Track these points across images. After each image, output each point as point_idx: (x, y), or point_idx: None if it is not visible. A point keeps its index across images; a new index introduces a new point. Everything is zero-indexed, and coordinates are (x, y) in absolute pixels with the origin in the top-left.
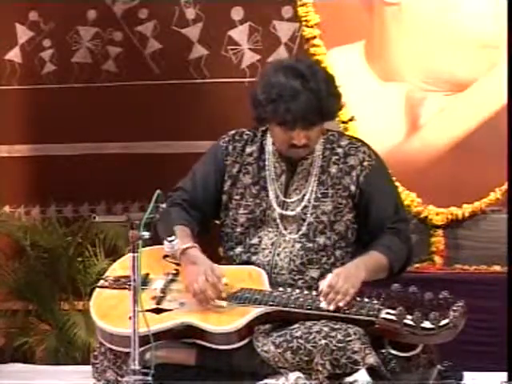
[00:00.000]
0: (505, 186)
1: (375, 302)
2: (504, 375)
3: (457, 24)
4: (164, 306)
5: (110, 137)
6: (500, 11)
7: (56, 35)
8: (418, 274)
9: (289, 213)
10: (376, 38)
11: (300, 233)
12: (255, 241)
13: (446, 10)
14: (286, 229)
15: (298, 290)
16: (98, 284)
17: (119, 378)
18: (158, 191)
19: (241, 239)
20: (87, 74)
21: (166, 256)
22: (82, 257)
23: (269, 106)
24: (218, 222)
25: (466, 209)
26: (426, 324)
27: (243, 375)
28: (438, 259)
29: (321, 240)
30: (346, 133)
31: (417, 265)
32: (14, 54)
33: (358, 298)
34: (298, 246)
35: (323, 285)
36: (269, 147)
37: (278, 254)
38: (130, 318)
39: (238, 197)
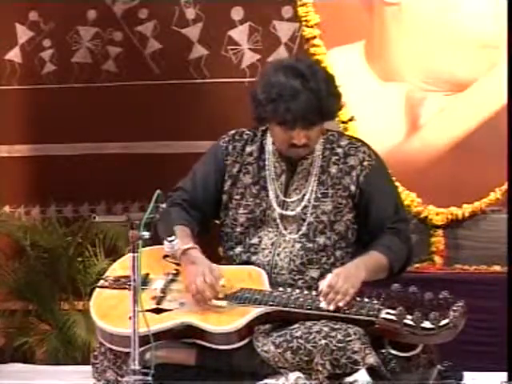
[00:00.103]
0: (505, 186)
1: (375, 302)
2: (504, 375)
3: (457, 24)
4: (164, 306)
5: (110, 137)
6: (500, 11)
7: (56, 35)
8: (418, 273)
9: (289, 213)
10: (376, 38)
11: (300, 233)
12: (255, 241)
13: (445, 10)
14: (285, 229)
15: (297, 290)
16: (98, 284)
17: (119, 378)
18: (157, 191)
19: (240, 239)
20: (87, 73)
21: (165, 256)
22: (82, 257)
23: (269, 105)
24: (217, 221)
25: (466, 209)
26: (426, 324)
27: (243, 375)
28: (438, 259)
29: (321, 240)
30: (346, 133)
31: (417, 265)
32: (14, 54)
33: (358, 298)
34: (297, 245)
35: (323, 285)
36: (269, 147)
37: (278, 254)
38: (130, 318)
39: (238, 196)
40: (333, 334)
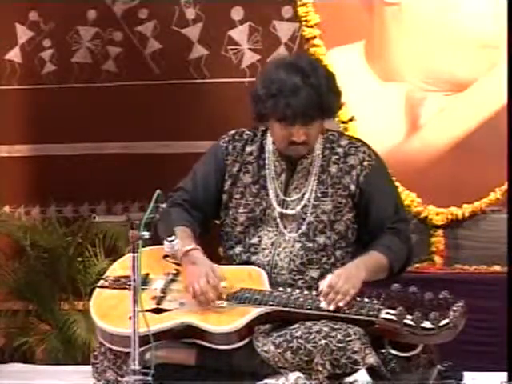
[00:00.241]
0: (505, 186)
1: (375, 302)
2: (504, 375)
3: (457, 24)
4: (164, 305)
5: (110, 137)
6: (500, 11)
7: (56, 35)
8: (418, 273)
9: (289, 212)
10: (376, 38)
11: (300, 232)
12: (255, 240)
13: (446, 10)
14: (285, 228)
15: (298, 290)
16: (98, 284)
17: (119, 378)
18: (157, 191)
19: (240, 238)
20: (87, 73)
21: (165, 256)
22: (82, 257)
23: (269, 101)
24: (217, 221)
25: (466, 209)
26: (426, 324)
27: (243, 375)
28: (438, 259)
29: (321, 239)
30: (346, 133)
31: (417, 265)
32: (14, 54)
33: (358, 298)
34: (297, 245)
35: (323, 285)
36: (269, 146)
37: (278, 254)
38: (130, 317)
39: (238, 196)
40: (333, 333)
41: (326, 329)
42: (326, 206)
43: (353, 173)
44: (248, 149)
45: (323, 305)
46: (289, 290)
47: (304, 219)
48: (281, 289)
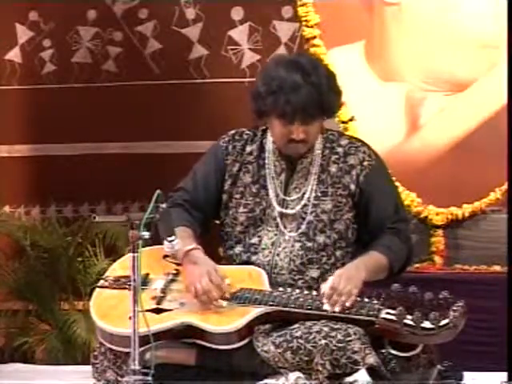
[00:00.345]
0: (505, 186)
1: (375, 302)
2: (504, 375)
3: (457, 24)
4: (164, 305)
5: (110, 137)
6: (500, 11)
7: (56, 35)
8: (418, 273)
9: (288, 211)
10: (376, 38)
11: (300, 231)
12: (255, 240)
13: (446, 10)
14: (285, 227)
15: (298, 290)
16: (98, 284)
17: (119, 378)
18: (157, 191)
19: (240, 238)
20: (87, 73)
21: (166, 256)
22: (82, 257)
23: (269, 97)
24: (217, 221)
25: (466, 209)
26: (426, 324)
27: (243, 375)
28: (438, 259)
29: (320, 239)
30: (346, 133)
31: (417, 265)
32: (14, 54)
33: (358, 298)
34: (297, 245)
35: (325, 287)
36: (269, 146)
37: (278, 254)
38: (130, 317)
39: (238, 196)
40: (333, 333)
41: (325, 329)
42: (326, 206)
43: (353, 172)
44: (248, 148)
45: (326, 307)
46: (289, 290)
47: (304, 219)
48: (281, 289)
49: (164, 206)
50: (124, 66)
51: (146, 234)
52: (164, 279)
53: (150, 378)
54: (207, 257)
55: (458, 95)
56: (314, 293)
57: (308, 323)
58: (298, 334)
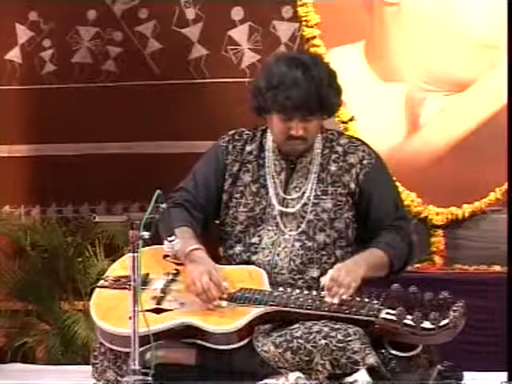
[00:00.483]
0: (505, 186)
1: (375, 302)
2: (504, 375)
3: (457, 24)
4: (164, 306)
5: (110, 137)
6: (500, 11)
7: (56, 35)
8: (418, 273)
9: (288, 210)
10: (376, 38)
11: (299, 230)
12: (255, 240)
13: (446, 10)
14: (285, 226)
15: (298, 290)
16: (98, 284)
17: (119, 378)
18: (157, 191)
19: (240, 238)
20: (87, 73)
21: (165, 256)
22: (82, 257)
23: (269, 92)
24: (217, 221)
25: (466, 209)
26: (426, 324)
27: (243, 375)
28: (438, 259)
29: (320, 238)
30: (346, 133)
31: (417, 265)
32: (14, 54)
33: (358, 298)
34: (297, 244)
35: (326, 279)
36: (268, 145)
37: (278, 254)
38: (130, 317)
39: (238, 195)
40: (333, 333)
41: (326, 329)
42: (326, 205)
43: (352, 171)
44: (248, 148)
45: (327, 299)
46: (289, 289)
47: (304, 217)
48: (281, 289)
49: (164, 205)
50: (124, 66)
51: (146, 234)
52: (164, 279)
53: (149, 378)
54: (209, 257)
55: (458, 95)
56: (314, 293)
57: (308, 323)
58: (298, 333)
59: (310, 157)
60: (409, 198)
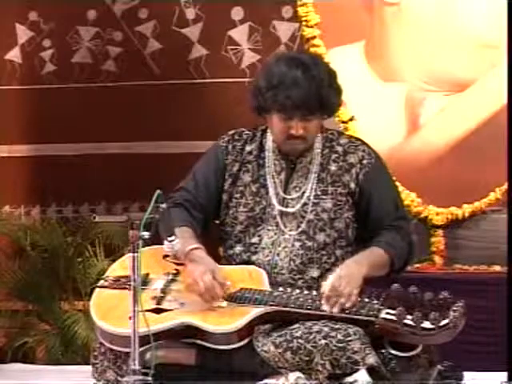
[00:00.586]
0: (505, 186)
1: (375, 302)
2: (504, 375)
3: (457, 24)
4: (164, 305)
5: (110, 137)
6: (500, 11)
7: (56, 35)
8: (418, 273)
9: (288, 209)
10: (376, 38)
11: (299, 229)
12: (255, 240)
13: (446, 10)
14: (285, 226)
15: (298, 290)
16: (98, 284)
17: (119, 378)
18: (157, 191)
19: (240, 237)
20: (87, 73)
21: (165, 256)
22: (82, 257)
23: (269, 92)
24: (217, 221)
25: (466, 209)
26: (426, 324)
27: (243, 375)
28: (438, 259)
29: (320, 238)
30: (346, 133)
31: (417, 265)
32: (14, 54)
33: (358, 298)
34: (297, 244)
35: (325, 288)
36: (268, 145)
37: (278, 254)
38: (130, 317)
39: (238, 195)
40: (333, 333)
41: (326, 329)
42: (326, 204)
43: (352, 171)
44: (248, 148)
45: (325, 308)
46: (289, 289)
47: (304, 217)
48: (281, 289)
49: (164, 205)
50: (124, 66)
51: (146, 234)
52: (164, 279)
53: (149, 378)
54: (209, 257)
55: (458, 95)
56: (314, 293)
57: (308, 323)
58: (298, 333)
59: (309, 156)
60: (409, 197)
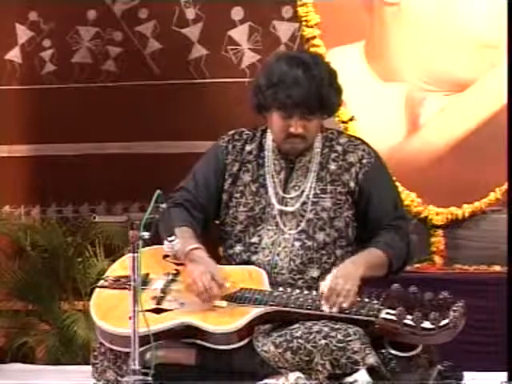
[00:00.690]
0: (505, 186)
1: (375, 302)
2: (504, 375)
3: (457, 24)
4: (164, 306)
5: (110, 137)
6: (500, 11)
7: (56, 35)
8: (418, 273)
9: (288, 208)
10: (376, 38)
11: (299, 229)
12: (255, 239)
13: (446, 10)
14: (285, 225)
15: (298, 290)
16: (98, 284)
17: (119, 378)
18: (157, 191)
19: (240, 237)
20: (87, 73)
21: (165, 256)
22: (82, 257)
23: (269, 90)
24: (217, 221)
25: (466, 209)
26: (426, 324)
27: (243, 375)
28: (438, 259)
29: (320, 237)
30: (346, 132)
31: (417, 265)
32: (14, 54)
33: (358, 298)
34: (297, 244)
35: (324, 288)
36: (268, 144)
37: (278, 254)
38: (130, 317)
39: (237, 195)
40: (333, 333)
41: (326, 329)
42: (326, 203)
43: (352, 170)
44: (247, 148)
45: (325, 308)
46: (289, 289)
47: (303, 216)
48: (281, 289)
49: (164, 205)
50: (124, 66)
51: (146, 234)
52: (164, 279)
53: (149, 378)
54: (209, 257)
55: (458, 95)
56: (314, 293)
57: (308, 323)
58: (298, 333)
59: (309, 156)
60: (409, 197)
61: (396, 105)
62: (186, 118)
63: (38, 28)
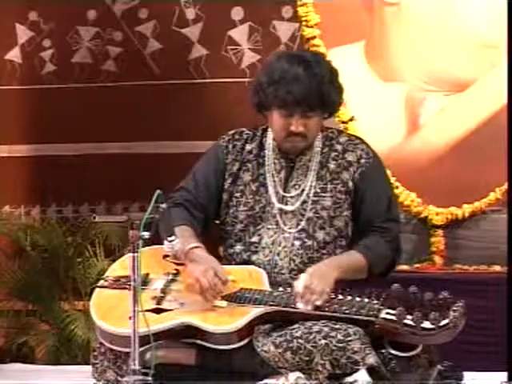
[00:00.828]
0: (505, 186)
1: (375, 302)
2: (504, 375)
3: (457, 24)
4: (164, 306)
5: (110, 137)
6: (500, 11)
7: (56, 35)
8: (418, 273)
9: (288, 207)
10: (376, 38)
11: (299, 227)
12: (255, 239)
13: (446, 10)
14: (285, 224)
15: None
16: (98, 284)
17: (119, 378)
18: (157, 191)
19: (240, 236)
20: (87, 73)
21: (165, 256)
22: (82, 257)
23: (270, 88)
24: (217, 221)
25: (466, 209)
26: (426, 324)
27: (243, 375)
28: (438, 259)
29: (320, 236)
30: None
31: (417, 265)
32: (14, 54)
33: (358, 298)
34: (297, 244)
35: (298, 286)
36: (268, 144)
37: (278, 254)
38: (130, 317)
39: (238, 194)
40: (333, 333)
41: (326, 329)
42: (326, 202)
43: (350, 169)
44: (248, 147)
45: (300, 305)
46: (289, 289)
47: (303, 215)
48: (281, 289)
49: (164, 205)
50: (124, 66)
51: (146, 234)
52: (164, 279)
53: (149, 378)
54: (210, 255)
55: (458, 95)
56: None
57: (308, 323)
58: (298, 333)
59: (309, 155)
60: (409, 198)
61: (396, 105)
62: (186, 118)
63: (38, 28)
